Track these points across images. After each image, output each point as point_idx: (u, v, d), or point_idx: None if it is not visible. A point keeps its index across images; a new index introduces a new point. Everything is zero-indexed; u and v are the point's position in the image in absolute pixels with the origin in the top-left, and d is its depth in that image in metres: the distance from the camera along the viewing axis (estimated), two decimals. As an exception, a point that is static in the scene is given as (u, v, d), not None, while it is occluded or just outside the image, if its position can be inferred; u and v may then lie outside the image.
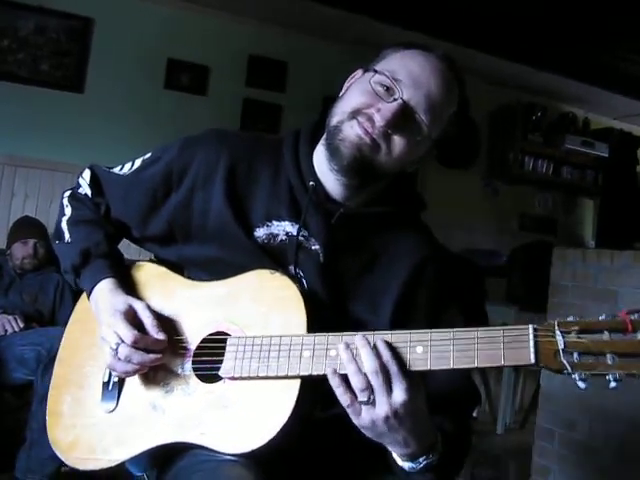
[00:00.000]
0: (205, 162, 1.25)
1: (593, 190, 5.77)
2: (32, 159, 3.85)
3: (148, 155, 1.34)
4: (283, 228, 1.22)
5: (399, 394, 0.99)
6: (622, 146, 5.64)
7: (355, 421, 1.02)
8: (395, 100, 1.12)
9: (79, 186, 1.39)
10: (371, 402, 1.00)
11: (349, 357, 1.02)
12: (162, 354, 1.18)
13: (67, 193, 1.40)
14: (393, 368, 0.99)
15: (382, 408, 0.99)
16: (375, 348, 1.01)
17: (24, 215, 3.66)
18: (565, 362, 0.93)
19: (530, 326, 0.97)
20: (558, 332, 0.94)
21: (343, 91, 1.24)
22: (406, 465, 1.08)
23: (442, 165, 5.00)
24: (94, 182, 1.37)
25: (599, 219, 5.70)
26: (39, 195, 3.88)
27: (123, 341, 1.15)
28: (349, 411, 1.02)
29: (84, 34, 4.00)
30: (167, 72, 4.25)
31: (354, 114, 1.15)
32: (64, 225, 1.35)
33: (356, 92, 1.18)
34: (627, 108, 5.58)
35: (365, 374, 0.99)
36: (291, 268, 1.22)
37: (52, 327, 3.14)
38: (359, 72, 1.23)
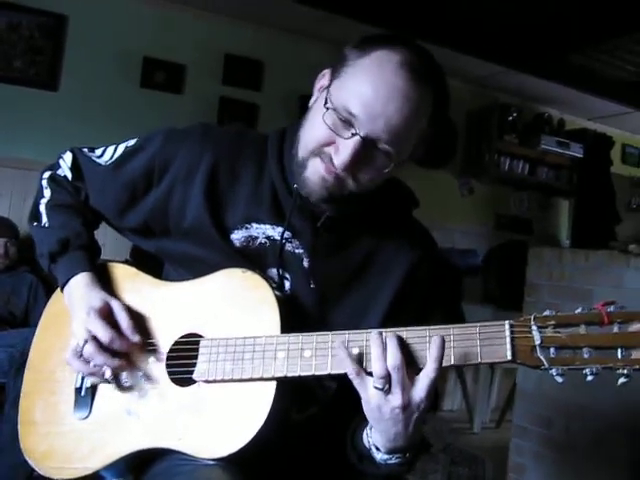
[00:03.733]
0: (188, 159, 1.22)
1: (568, 190, 5.82)
2: (5, 158, 3.79)
3: (132, 142, 1.30)
4: (263, 231, 1.20)
5: (419, 392, 0.99)
6: (597, 147, 5.69)
7: (361, 394, 1.01)
8: (354, 135, 1.05)
9: (59, 167, 1.36)
10: (385, 390, 0.99)
11: (378, 342, 1.00)
12: (128, 359, 1.16)
13: (46, 174, 1.36)
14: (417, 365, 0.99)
15: (396, 399, 0.99)
16: (403, 342, 1.00)
17: (-7, 215, 3.61)
18: (542, 358, 0.94)
19: (506, 322, 0.97)
20: (534, 327, 0.95)
21: (311, 102, 1.17)
22: (379, 456, 1.08)
23: (418, 165, 5.02)
24: (75, 166, 1.34)
25: (574, 219, 5.76)
26: (12, 194, 3.82)
27: (94, 339, 1.13)
28: (355, 382, 1.01)
29: (58, 31, 3.95)
30: (143, 70, 4.21)
31: (315, 152, 1.10)
32: (42, 208, 1.32)
33: (316, 125, 1.10)
34: (601, 109, 5.63)
35: (387, 365, 0.98)
36: (272, 270, 1.20)
37: (25, 328, 3.11)
38: (327, 75, 1.15)
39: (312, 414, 1.19)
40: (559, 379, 0.93)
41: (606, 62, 4.53)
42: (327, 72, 1.16)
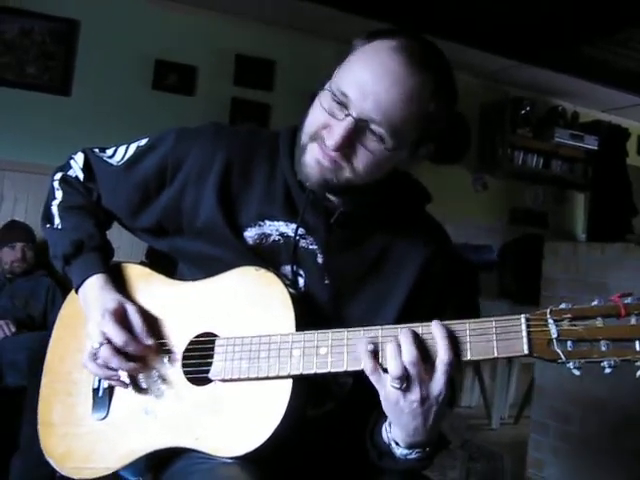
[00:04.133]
0: (200, 158, 1.23)
1: (583, 183, 5.78)
2: (21, 163, 3.82)
3: (143, 142, 1.31)
4: (276, 228, 1.20)
5: (436, 384, 0.99)
6: (611, 138, 5.64)
7: (379, 390, 1.01)
8: (347, 116, 1.06)
9: (70, 167, 1.36)
10: (403, 389, 0.99)
11: (392, 341, 1.00)
12: (144, 361, 1.17)
13: (58, 176, 1.36)
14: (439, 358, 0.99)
15: (414, 393, 0.99)
16: (417, 338, 1.00)
17: (10, 220, 3.64)
18: (559, 351, 0.93)
19: (522, 316, 0.97)
20: (551, 321, 0.94)
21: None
22: (398, 451, 1.08)
23: (432, 162, 5.00)
24: (87, 167, 1.34)
25: (590, 212, 5.71)
26: (28, 199, 3.85)
27: (109, 342, 1.13)
28: (372, 379, 1.01)
29: (70, 36, 3.98)
30: (155, 73, 4.23)
31: (313, 136, 1.11)
32: (55, 209, 1.32)
33: (315, 110, 1.12)
34: (615, 100, 5.58)
35: (403, 363, 0.98)
36: (286, 267, 1.20)
37: (44, 331, 3.13)
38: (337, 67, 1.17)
39: (328, 410, 1.19)
40: (576, 372, 0.92)
41: (619, 53, 4.50)
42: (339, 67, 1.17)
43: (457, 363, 0.98)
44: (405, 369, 0.98)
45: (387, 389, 1.00)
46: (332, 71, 1.15)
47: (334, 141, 1.06)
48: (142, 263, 1.36)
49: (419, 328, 1.01)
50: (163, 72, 4.25)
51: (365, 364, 1.00)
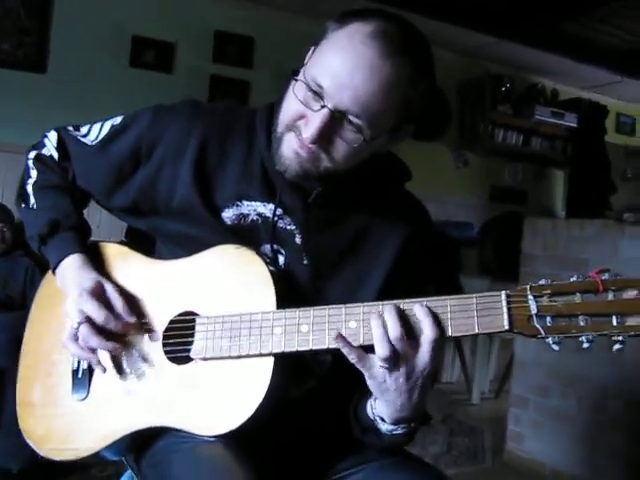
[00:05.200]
0: (176, 137, 1.21)
1: (563, 160, 5.81)
2: (-4, 142, 3.76)
3: (118, 121, 1.28)
4: (254, 208, 1.19)
5: (421, 358, 1.00)
6: (591, 116, 5.67)
7: (365, 372, 1.02)
8: (322, 108, 1.03)
9: (44, 146, 1.33)
10: (390, 368, 1.00)
11: (378, 323, 1.00)
12: (124, 340, 1.16)
13: (32, 154, 1.34)
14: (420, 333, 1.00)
15: (400, 369, 1.00)
16: (401, 313, 1.00)
17: (-13, 200, 3.60)
18: (539, 327, 0.94)
19: (503, 292, 0.97)
20: (531, 297, 0.95)
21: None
22: (384, 427, 1.09)
23: (412, 138, 4.99)
24: (61, 146, 1.32)
25: (569, 189, 5.75)
26: (5, 179, 3.79)
27: (88, 320, 1.12)
28: (359, 366, 1.01)
29: (44, 12, 3.89)
30: (132, 50, 4.16)
31: (289, 127, 1.09)
32: (30, 189, 1.30)
33: (289, 99, 1.10)
34: (595, 78, 5.60)
35: (391, 342, 0.98)
36: (266, 246, 1.19)
37: (23, 311, 3.10)
38: (310, 51, 1.13)
39: (310, 388, 1.19)
40: (555, 347, 0.94)
41: (600, 30, 4.49)
42: (312, 48, 1.14)
43: (441, 339, 0.99)
44: (392, 347, 0.98)
45: (373, 370, 1.01)
46: (305, 55, 1.12)
47: (310, 134, 1.04)
48: (121, 242, 1.35)
49: (401, 305, 1.01)
50: (140, 48, 4.18)
51: (350, 354, 1.01)
